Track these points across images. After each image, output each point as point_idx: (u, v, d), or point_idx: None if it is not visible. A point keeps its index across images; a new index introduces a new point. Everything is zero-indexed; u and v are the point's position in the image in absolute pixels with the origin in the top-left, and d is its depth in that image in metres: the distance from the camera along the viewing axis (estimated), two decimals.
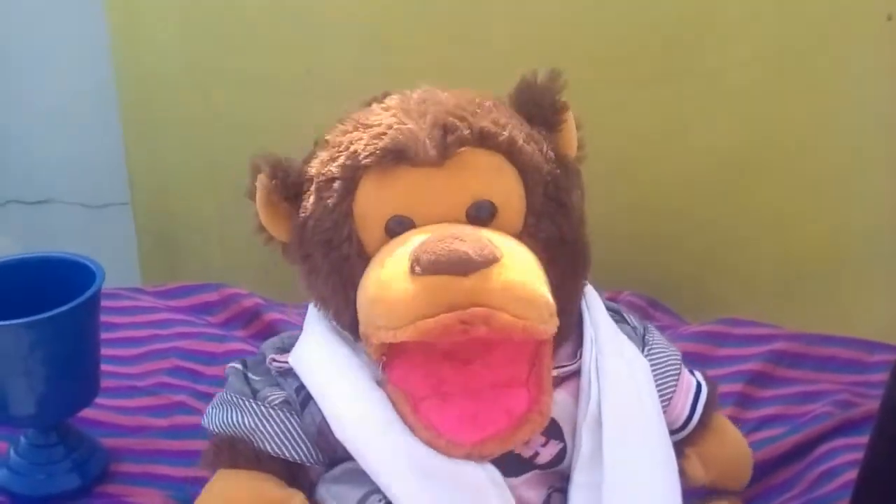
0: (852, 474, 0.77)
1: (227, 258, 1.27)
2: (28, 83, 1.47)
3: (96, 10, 1.29)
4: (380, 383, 0.66)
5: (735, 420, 0.87)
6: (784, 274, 1.16)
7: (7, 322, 0.76)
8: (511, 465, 0.66)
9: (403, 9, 1.07)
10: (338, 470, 0.68)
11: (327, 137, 0.69)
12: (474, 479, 0.64)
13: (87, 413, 0.86)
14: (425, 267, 0.60)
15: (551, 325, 0.63)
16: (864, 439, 0.74)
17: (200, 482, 0.75)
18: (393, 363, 0.65)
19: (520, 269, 0.62)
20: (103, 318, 0.84)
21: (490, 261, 0.61)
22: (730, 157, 1.11)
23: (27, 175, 1.53)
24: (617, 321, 0.74)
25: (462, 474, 0.64)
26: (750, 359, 0.96)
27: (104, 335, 0.85)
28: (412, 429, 0.64)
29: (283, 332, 0.80)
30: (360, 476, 0.66)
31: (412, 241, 0.63)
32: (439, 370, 0.64)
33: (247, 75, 1.16)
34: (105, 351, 0.86)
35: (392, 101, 0.69)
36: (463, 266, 0.60)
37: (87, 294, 0.78)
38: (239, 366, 0.74)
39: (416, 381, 0.64)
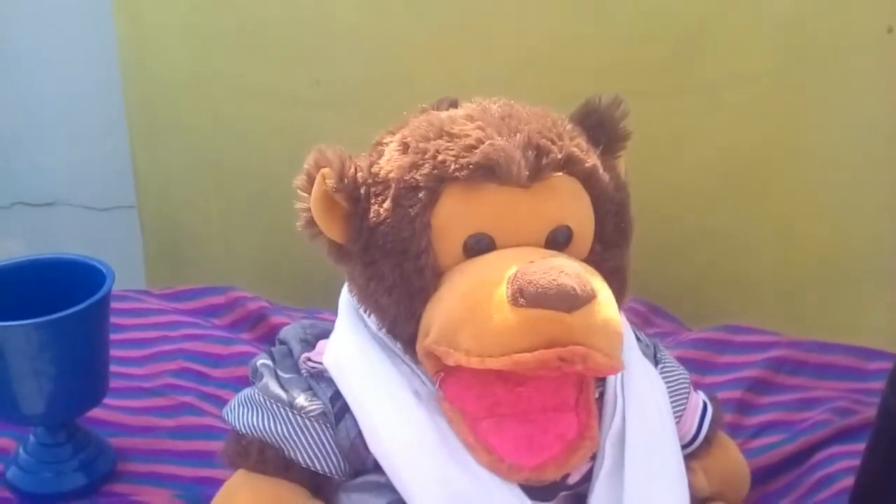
0: (849, 481, 0.78)
1: (231, 261, 1.28)
2: (35, 87, 1.48)
3: (104, 14, 1.30)
4: (419, 395, 0.65)
5: (735, 426, 0.89)
6: (785, 283, 1.16)
7: (18, 322, 0.77)
8: (542, 489, 0.65)
9: (411, 20, 1.08)
10: (359, 479, 0.68)
11: (403, 139, 0.66)
12: None
13: (95, 413, 0.86)
14: (530, 300, 0.58)
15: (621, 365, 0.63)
16: (861, 446, 0.75)
17: (206, 482, 0.76)
18: (448, 381, 0.64)
19: (610, 303, 0.61)
20: (111, 319, 0.84)
21: (591, 298, 0.59)
22: (732, 168, 1.11)
23: (34, 178, 1.53)
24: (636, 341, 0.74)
25: (495, 502, 0.63)
26: (750, 366, 0.97)
27: (112, 337, 0.85)
28: (472, 450, 0.63)
29: (303, 321, 0.78)
30: (382, 486, 0.65)
31: (503, 259, 0.62)
32: (493, 391, 0.63)
33: (254, 83, 1.17)
34: (113, 352, 0.86)
35: (472, 110, 0.66)
36: (569, 302, 0.58)
37: (98, 296, 0.79)
38: (269, 362, 0.72)
39: (471, 400, 0.64)
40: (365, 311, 0.68)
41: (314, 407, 0.68)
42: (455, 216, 0.63)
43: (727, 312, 1.08)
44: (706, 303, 1.14)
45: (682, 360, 0.79)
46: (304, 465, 0.68)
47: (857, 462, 0.76)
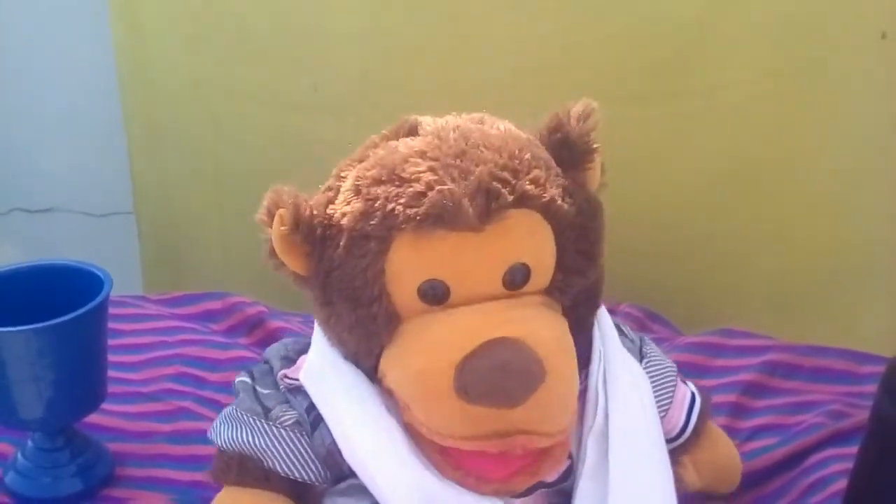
0: (843, 483, 0.78)
1: (229, 268, 1.28)
2: (33, 93, 1.48)
3: (101, 21, 1.31)
4: (390, 410, 0.66)
5: (729, 429, 0.89)
6: (780, 288, 1.17)
7: (16, 328, 0.77)
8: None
9: (409, 26, 1.08)
10: (343, 484, 0.68)
11: (356, 183, 0.65)
12: None
13: (93, 418, 0.87)
14: (474, 397, 0.60)
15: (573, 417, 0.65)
16: (854, 449, 0.75)
17: (204, 487, 0.77)
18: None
19: (562, 379, 0.62)
20: (109, 325, 0.85)
21: (536, 387, 0.60)
22: (727, 173, 1.11)
23: (31, 184, 1.54)
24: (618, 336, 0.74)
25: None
26: (744, 369, 0.97)
27: (110, 342, 0.86)
28: (438, 468, 0.64)
29: (286, 339, 0.79)
30: (366, 490, 0.66)
31: (454, 332, 0.62)
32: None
33: (252, 89, 1.17)
34: (111, 357, 0.87)
35: (426, 143, 0.65)
36: (511, 402, 0.60)
37: (96, 301, 0.79)
38: (247, 379, 0.74)
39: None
40: (330, 343, 0.69)
41: (288, 417, 0.70)
42: (407, 263, 0.63)
43: (723, 317, 1.08)
44: (702, 307, 1.14)
45: (677, 364, 0.79)
46: (282, 474, 0.69)
47: (850, 465, 0.76)
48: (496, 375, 0.60)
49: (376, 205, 0.63)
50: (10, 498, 0.84)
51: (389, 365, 0.65)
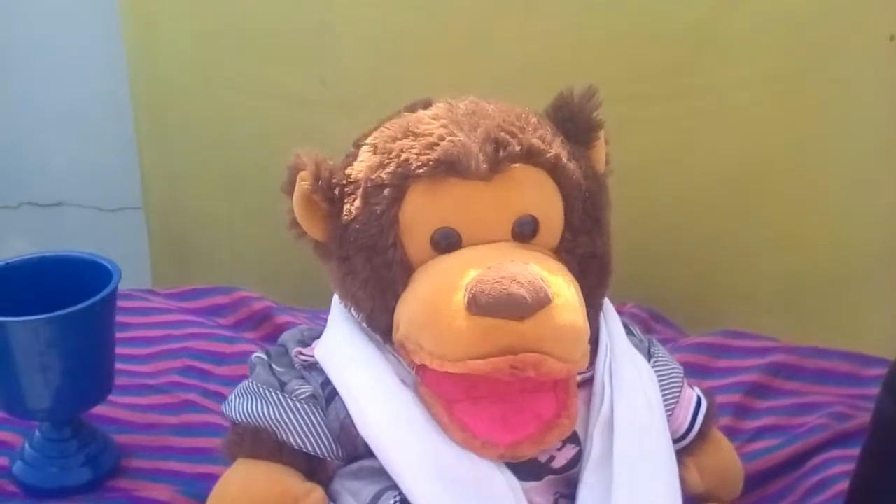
0: (845, 485, 0.78)
1: (237, 262, 1.29)
2: (43, 88, 1.49)
3: (112, 16, 1.31)
4: (405, 382, 0.67)
5: (732, 430, 0.89)
6: (785, 289, 1.17)
7: (25, 318, 0.78)
8: (528, 470, 0.67)
9: (417, 21, 1.08)
10: (354, 466, 0.69)
11: (373, 141, 0.69)
12: (495, 484, 0.65)
13: (100, 409, 0.87)
14: (482, 308, 0.61)
15: (586, 359, 0.65)
16: (857, 451, 0.75)
17: (209, 478, 0.77)
18: (425, 367, 0.65)
19: (568, 307, 0.63)
20: (117, 318, 0.85)
21: (544, 304, 0.61)
22: (732, 174, 1.12)
23: (41, 178, 1.54)
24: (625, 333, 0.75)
25: (483, 479, 0.65)
26: (748, 370, 0.97)
27: (118, 335, 0.86)
28: (447, 430, 0.65)
29: (302, 326, 0.80)
30: (377, 473, 0.67)
31: (464, 264, 0.63)
32: (470, 376, 0.64)
33: (261, 84, 1.17)
34: (118, 350, 0.87)
35: (439, 109, 0.69)
36: (520, 311, 0.61)
37: (104, 292, 0.80)
38: (264, 356, 0.74)
39: (448, 385, 0.65)
40: (346, 306, 0.71)
41: (304, 390, 0.70)
42: (420, 212, 0.66)
43: (727, 318, 1.08)
44: (706, 308, 1.14)
45: (681, 365, 0.80)
46: (296, 447, 0.69)
47: (852, 466, 0.76)
48: (504, 284, 0.61)
49: (391, 156, 0.66)
50: (17, 487, 0.85)
51: (401, 308, 0.66)
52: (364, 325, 0.70)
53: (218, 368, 0.98)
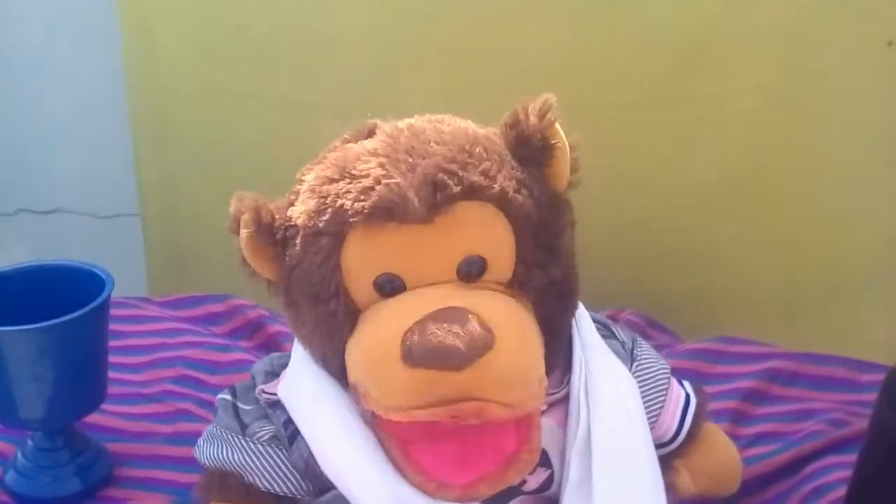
0: (843, 491, 0.78)
1: (233, 270, 1.27)
2: (40, 95, 1.49)
3: (109, 22, 1.31)
4: (365, 419, 0.66)
5: (730, 436, 0.88)
6: (783, 295, 1.16)
7: (18, 327, 0.77)
8: (499, 494, 0.65)
9: (414, 28, 1.08)
10: (328, 496, 0.68)
11: (311, 184, 0.66)
12: None
13: (93, 418, 0.87)
14: (417, 361, 0.59)
15: (540, 397, 0.62)
16: (854, 457, 0.75)
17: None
18: (381, 419, 0.64)
19: (514, 347, 0.61)
20: (111, 326, 0.85)
21: (483, 351, 0.59)
22: (730, 180, 1.11)
23: (38, 185, 1.54)
24: (605, 336, 0.73)
25: None
26: (745, 376, 0.97)
27: (111, 343, 0.86)
28: (403, 472, 0.64)
29: (273, 354, 0.80)
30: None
31: (403, 310, 0.62)
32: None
33: (257, 90, 1.17)
34: (112, 358, 0.87)
35: (378, 143, 0.66)
36: (455, 362, 0.59)
37: (97, 301, 0.80)
38: (228, 396, 0.74)
39: (404, 425, 0.63)
40: (302, 346, 0.70)
41: (265, 431, 0.70)
42: (361, 258, 0.64)
43: (725, 323, 1.08)
44: (704, 314, 1.14)
45: (678, 371, 0.79)
46: (263, 489, 0.70)
47: (850, 473, 0.76)
48: (439, 336, 0.59)
49: (327, 201, 0.64)
50: (9, 497, 0.84)
51: (349, 354, 0.65)
52: (320, 365, 0.69)
53: (212, 378, 0.98)
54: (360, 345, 0.64)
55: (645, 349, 0.76)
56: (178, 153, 1.29)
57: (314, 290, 0.65)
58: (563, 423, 0.68)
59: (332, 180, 0.65)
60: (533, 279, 0.65)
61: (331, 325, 0.65)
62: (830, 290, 1.16)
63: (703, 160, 1.11)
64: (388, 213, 0.62)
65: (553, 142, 0.66)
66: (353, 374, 0.64)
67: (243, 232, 0.67)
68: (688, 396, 0.76)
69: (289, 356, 0.74)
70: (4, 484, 0.85)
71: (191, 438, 0.88)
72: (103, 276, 0.83)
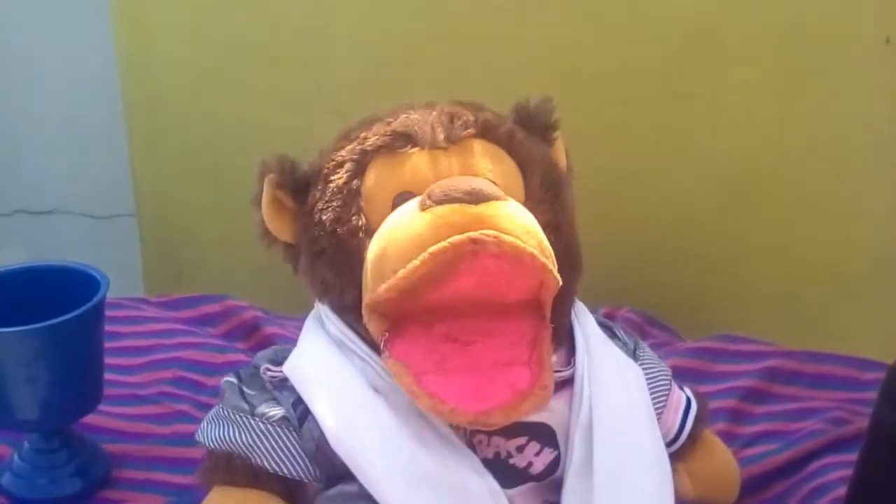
0: (842, 491, 0.78)
1: (229, 271, 1.28)
2: (35, 95, 1.48)
3: (103, 21, 1.31)
4: (377, 390, 0.67)
5: (729, 435, 0.89)
6: (782, 292, 1.16)
7: (13, 329, 0.77)
8: (506, 476, 0.66)
9: (413, 28, 1.08)
10: (332, 491, 0.68)
11: (339, 135, 0.72)
12: (473, 488, 0.64)
13: (90, 419, 0.87)
14: (436, 199, 0.63)
15: (555, 275, 0.63)
16: (855, 456, 0.75)
17: (200, 489, 0.76)
18: (394, 342, 0.65)
19: (526, 214, 0.65)
20: (107, 327, 0.85)
21: (497, 196, 0.63)
22: (728, 178, 1.11)
23: (34, 185, 1.54)
24: (608, 337, 0.74)
25: (461, 483, 0.64)
26: (744, 375, 0.97)
27: (108, 344, 0.86)
28: (415, 398, 0.63)
29: (275, 346, 0.80)
30: (355, 498, 0.66)
31: (415, 201, 0.65)
32: (440, 349, 0.64)
33: (255, 90, 1.17)
34: (108, 360, 0.87)
35: (400, 105, 0.73)
36: (473, 196, 0.62)
37: (92, 302, 0.79)
38: (234, 379, 0.74)
39: (417, 358, 0.64)
40: (320, 300, 0.72)
41: (275, 412, 0.70)
42: (381, 179, 0.69)
43: (725, 321, 1.08)
44: (704, 312, 1.14)
45: (677, 370, 0.79)
46: (271, 471, 0.69)
47: (850, 472, 0.76)
48: (458, 181, 0.64)
49: (352, 136, 0.71)
50: (6, 499, 0.84)
51: (366, 267, 0.66)
52: (335, 317, 0.70)
53: (209, 379, 0.97)
54: (374, 237, 0.66)
55: (647, 352, 0.77)
56: (173, 153, 1.29)
57: (336, 215, 0.69)
58: (570, 405, 0.68)
59: (362, 125, 0.71)
60: (539, 213, 0.67)
61: (351, 246, 0.68)
62: (830, 289, 1.16)
63: (702, 157, 1.11)
64: (407, 138, 0.69)
65: (554, 118, 0.73)
66: (370, 273, 0.65)
67: (269, 181, 0.71)
68: (689, 400, 0.77)
69: (291, 348, 0.74)
70: (1, 486, 0.85)
71: (188, 440, 0.88)
72: (98, 277, 0.83)
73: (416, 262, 0.61)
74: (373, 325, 0.66)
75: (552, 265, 0.63)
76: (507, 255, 0.61)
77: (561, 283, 0.64)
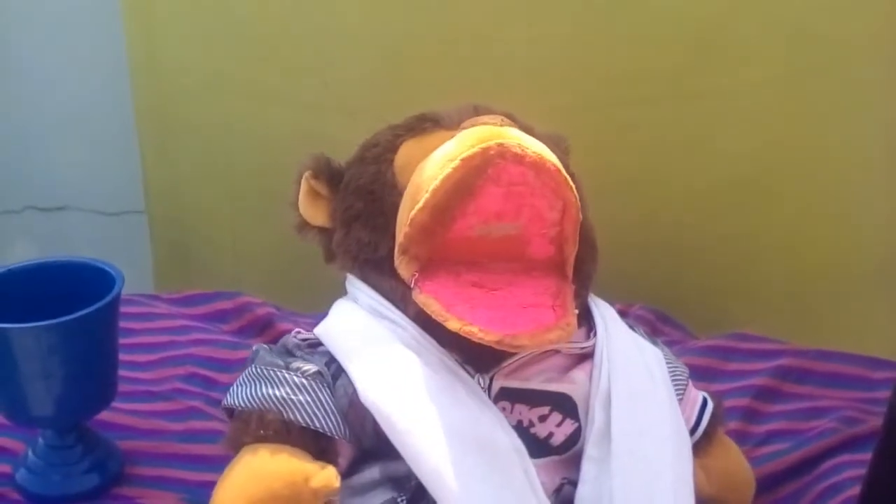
0: (856, 490, 0.77)
1: (240, 268, 1.28)
2: (46, 91, 1.49)
3: (114, 19, 1.31)
4: (409, 347, 0.68)
5: (742, 434, 0.89)
6: (794, 291, 1.16)
7: (28, 325, 0.77)
8: (527, 446, 0.67)
9: (420, 24, 1.08)
10: (354, 479, 0.68)
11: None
12: (500, 444, 0.65)
13: (103, 416, 0.87)
14: (465, 127, 0.68)
15: (577, 199, 0.66)
16: (868, 455, 0.75)
17: (213, 486, 0.76)
18: (423, 280, 0.67)
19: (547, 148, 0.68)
20: (121, 324, 0.85)
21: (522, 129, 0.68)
22: (740, 176, 1.11)
23: (44, 182, 1.54)
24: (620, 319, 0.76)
25: (488, 438, 0.65)
26: (757, 374, 0.97)
27: (121, 341, 0.86)
28: (445, 321, 0.65)
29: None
30: (377, 485, 0.67)
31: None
32: (468, 292, 0.66)
33: (264, 87, 1.17)
34: (122, 356, 0.87)
35: None
36: (496, 120, 0.68)
37: (107, 299, 0.79)
38: (266, 346, 0.75)
39: (446, 294, 0.66)
40: (354, 263, 0.74)
41: (309, 367, 0.70)
42: (412, 157, 0.71)
43: (737, 320, 1.08)
44: (716, 310, 1.14)
45: (689, 368, 0.79)
46: (303, 424, 0.68)
47: (863, 471, 0.75)
48: (484, 119, 0.69)
49: (387, 128, 0.76)
50: (20, 495, 0.84)
51: (400, 210, 0.69)
52: (366, 287, 0.72)
53: (222, 376, 0.97)
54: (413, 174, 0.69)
55: (665, 351, 0.77)
56: (183, 150, 1.29)
57: (370, 178, 0.74)
58: (591, 376, 0.70)
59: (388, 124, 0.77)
60: None
61: (385, 201, 0.72)
62: (842, 287, 1.16)
63: (712, 156, 1.11)
64: (435, 121, 0.74)
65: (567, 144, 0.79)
66: (407, 194, 0.68)
67: (307, 183, 0.76)
68: (705, 398, 0.77)
69: (313, 335, 0.74)
70: (15, 482, 0.85)
71: (201, 436, 0.89)
72: (113, 273, 0.83)
73: (446, 170, 0.65)
74: (403, 268, 0.67)
75: (573, 186, 0.66)
76: (531, 160, 0.65)
77: (581, 219, 0.67)
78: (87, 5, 1.44)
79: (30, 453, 0.86)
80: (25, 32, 1.47)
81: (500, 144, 0.64)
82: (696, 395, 0.77)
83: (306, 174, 0.76)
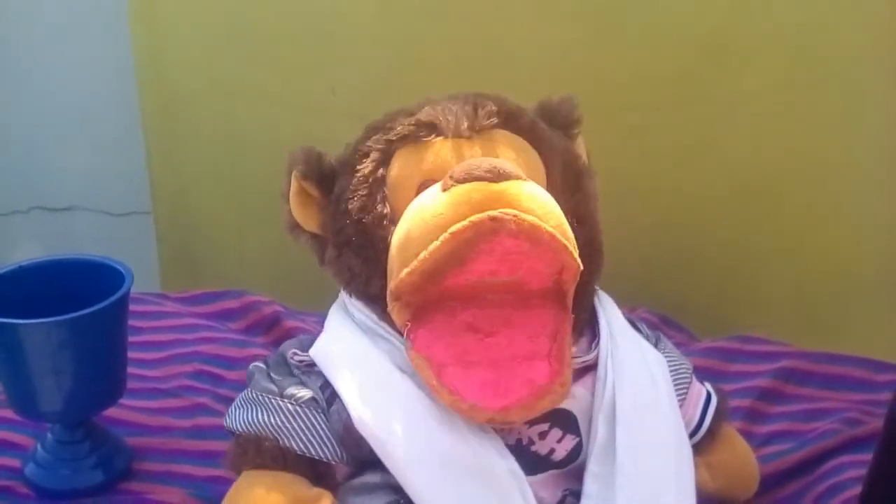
0: (857, 490, 0.77)
1: (245, 268, 1.29)
2: (52, 92, 1.49)
3: (120, 21, 1.31)
4: (402, 370, 0.68)
5: (745, 434, 0.89)
6: (798, 294, 1.16)
7: (39, 320, 0.78)
8: (528, 463, 0.67)
9: (427, 30, 1.08)
10: (356, 482, 0.69)
11: (367, 127, 0.73)
12: (496, 470, 0.65)
13: (112, 412, 0.88)
14: (458, 178, 0.64)
15: (576, 258, 0.64)
16: (869, 456, 0.75)
17: (220, 481, 0.77)
18: (417, 333, 0.66)
19: (547, 196, 0.65)
20: (129, 322, 0.85)
21: (519, 175, 0.64)
22: (744, 181, 1.12)
23: (51, 182, 1.54)
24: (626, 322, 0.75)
25: (484, 465, 0.65)
26: (760, 375, 0.97)
27: (129, 339, 0.86)
28: (436, 393, 0.65)
29: (301, 336, 0.80)
30: (378, 488, 0.67)
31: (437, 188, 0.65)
32: (462, 340, 0.65)
33: (269, 91, 1.17)
34: (130, 354, 0.87)
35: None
36: (493, 174, 0.63)
37: (117, 295, 0.80)
38: (262, 365, 0.75)
39: (439, 349, 0.65)
40: (346, 289, 0.73)
41: (304, 394, 0.70)
42: (405, 168, 0.70)
43: (741, 324, 1.08)
44: (720, 314, 1.14)
45: (693, 368, 0.79)
46: (298, 452, 0.69)
47: (865, 472, 0.76)
48: (479, 161, 0.65)
49: (377, 127, 0.72)
50: (29, 489, 0.85)
51: (390, 253, 0.67)
52: (361, 308, 0.71)
53: (229, 373, 0.98)
54: (403, 217, 0.67)
55: (669, 346, 0.78)
56: (190, 151, 1.30)
57: (362, 203, 0.70)
58: (592, 390, 0.69)
59: (387, 117, 0.73)
60: (562, 203, 0.67)
61: (377, 235, 0.69)
62: (844, 291, 1.16)
63: (716, 162, 1.11)
64: (431, 127, 0.70)
65: (579, 115, 0.75)
66: (394, 258, 0.66)
67: (295, 172, 0.72)
68: (709, 394, 0.77)
69: (317, 336, 0.74)
70: (24, 476, 0.85)
71: (208, 433, 0.89)
72: (123, 271, 0.83)
73: (436, 243, 0.63)
74: (396, 315, 0.67)
75: (573, 248, 0.64)
76: (526, 233, 0.62)
77: (582, 269, 0.65)
78: (94, 8, 1.44)
79: (38, 448, 0.86)
80: (33, 35, 1.47)
81: (493, 219, 0.62)
82: (700, 393, 0.77)
83: (295, 173, 0.73)
